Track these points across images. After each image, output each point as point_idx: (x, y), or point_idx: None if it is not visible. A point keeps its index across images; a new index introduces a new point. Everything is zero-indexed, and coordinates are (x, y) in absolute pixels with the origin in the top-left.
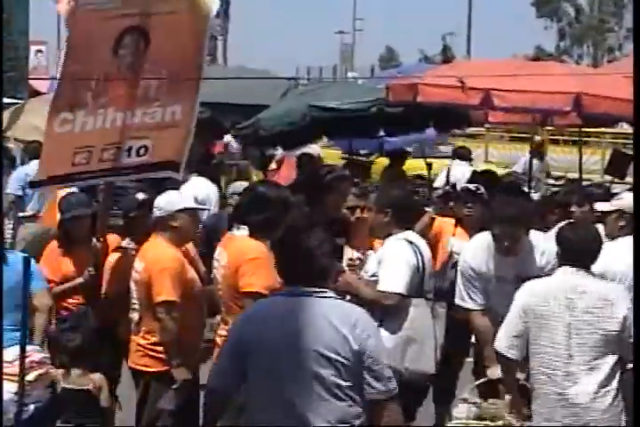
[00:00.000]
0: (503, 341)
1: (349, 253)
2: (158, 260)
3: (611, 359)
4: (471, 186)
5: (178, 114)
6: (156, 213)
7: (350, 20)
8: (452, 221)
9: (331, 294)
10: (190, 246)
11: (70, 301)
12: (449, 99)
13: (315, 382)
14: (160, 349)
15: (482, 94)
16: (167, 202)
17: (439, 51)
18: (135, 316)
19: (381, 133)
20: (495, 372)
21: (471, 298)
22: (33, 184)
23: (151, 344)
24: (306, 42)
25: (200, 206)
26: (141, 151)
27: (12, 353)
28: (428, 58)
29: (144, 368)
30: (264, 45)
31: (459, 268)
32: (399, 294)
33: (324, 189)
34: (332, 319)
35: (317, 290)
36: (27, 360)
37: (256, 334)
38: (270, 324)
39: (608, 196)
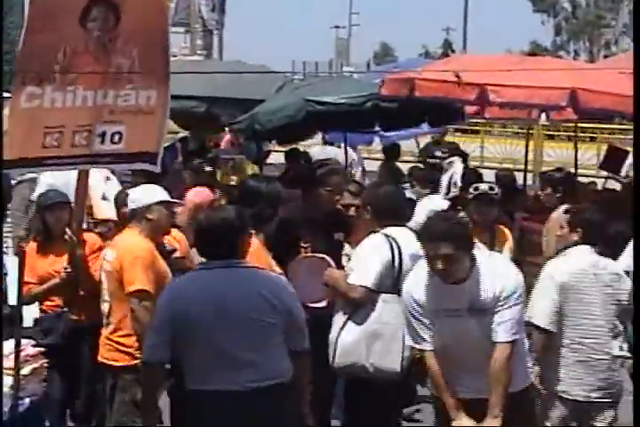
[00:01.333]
0: (544, 317)
1: (348, 249)
2: (130, 249)
3: (621, 326)
4: (485, 187)
5: (153, 99)
6: (131, 205)
7: (346, 15)
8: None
9: (247, 263)
10: (182, 239)
11: (48, 303)
12: (445, 94)
13: (253, 342)
14: (128, 343)
15: (478, 89)
16: (143, 194)
17: (438, 46)
18: (105, 307)
19: (376, 128)
20: (464, 422)
21: (421, 337)
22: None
23: (119, 337)
24: (302, 36)
25: (175, 200)
26: (115, 138)
27: (7, 347)
28: (428, 53)
29: (112, 362)
30: (260, 40)
31: (403, 301)
32: (365, 287)
33: (315, 183)
34: (257, 285)
35: (237, 261)
36: (22, 354)
37: (187, 305)
38: (200, 294)
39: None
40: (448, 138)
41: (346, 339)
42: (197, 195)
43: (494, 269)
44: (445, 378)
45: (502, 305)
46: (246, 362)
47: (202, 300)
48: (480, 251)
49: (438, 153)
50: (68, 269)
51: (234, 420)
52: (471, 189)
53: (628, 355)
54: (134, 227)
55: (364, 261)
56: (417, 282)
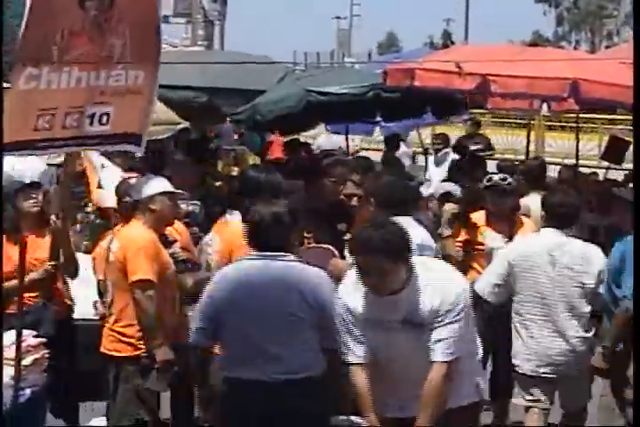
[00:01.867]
0: (485, 286)
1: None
2: (133, 240)
3: (588, 309)
4: (497, 178)
5: (140, 79)
6: (135, 196)
7: (347, 5)
8: (482, 213)
9: (292, 257)
10: (184, 230)
11: (26, 295)
12: (446, 84)
13: (280, 336)
14: (130, 333)
15: (479, 79)
16: (146, 185)
17: (439, 36)
18: (108, 299)
19: (378, 119)
20: None
21: (349, 349)
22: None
23: (121, 327)
24: (303, 27)
25: (178, 191)
26: (104, 119)
27: (8, 338)
28: (433, 43)
29: (114, 353)
30: (261, 31)
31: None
32: None
33: (318, 173)
34: (294, 280)
35: (280, 254)
36: (23, 345)
37: (227, 294)
38: (240, 285)
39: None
40: (448, 129)
41: None
42: None
43: (435, 282)
44: (371, 394)
45: (440, 321)
46: (272, 355)
47: (232, 291)
48: (422, 260)
49: (473, 146)
50: (52, 263)
51: (265, 409)
52: (484, 181)
53: (587, 335)
54: (138, 218)
55: None
56: (352, 289)
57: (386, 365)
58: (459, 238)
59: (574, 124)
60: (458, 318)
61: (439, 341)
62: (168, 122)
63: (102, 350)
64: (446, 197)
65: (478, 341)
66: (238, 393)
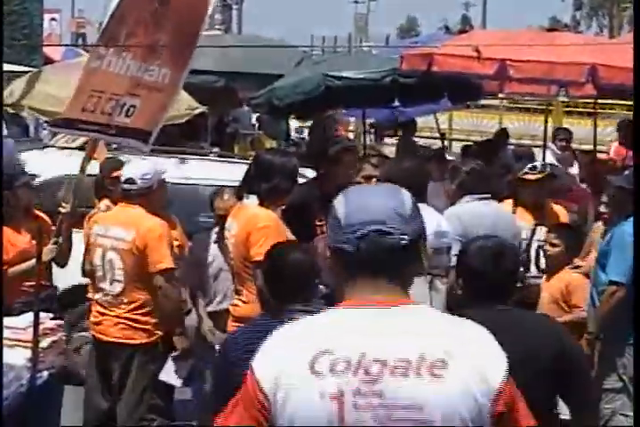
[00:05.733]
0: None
1: None
2: (152, 228)
3: None
4: (527, 168)
5: (167, 78)
6: (146, 183)
7: None
8: (510, 201)
9: None
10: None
11: (28, 283)
12: (464, 69)
13: None
14: (146, 320)
15: (497, 64)
16: (154, 173)
17: (457, 21)
18: (117, 287)
19: (395, 104)
20: None
21: None
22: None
23: (137, 315)
24: (320, 12)
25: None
26: (130, 111)
27: (25, 320)
28: (448, 28)
29: (127, 341)
30: (279, 15)
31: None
32: None
33: (329, 161)
34: None
35: None
36: (40, 327)
37: None
38: None
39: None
40: (465, 114)
41: None
42: None
43: None
44: None
45: None
46: None
47: None
48: None
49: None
50: (58, 247)
51: None
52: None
53: None
54: (140, 205)
55: None
56: None
57: None
58: None
59: (592, 110)
60: None
61: None
62: (185, 106)
63: (108, 338)
64: None
65: None
66: None
